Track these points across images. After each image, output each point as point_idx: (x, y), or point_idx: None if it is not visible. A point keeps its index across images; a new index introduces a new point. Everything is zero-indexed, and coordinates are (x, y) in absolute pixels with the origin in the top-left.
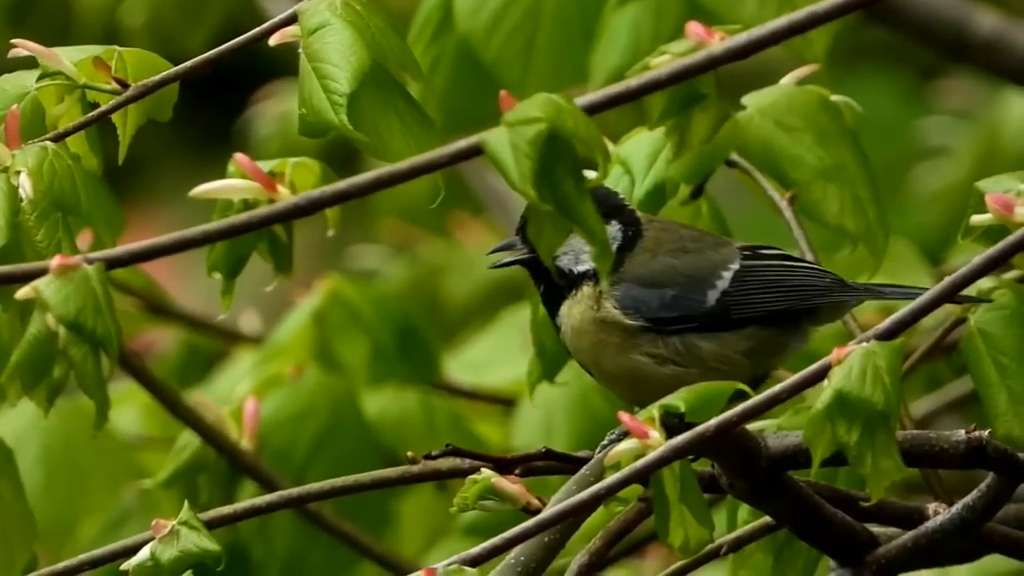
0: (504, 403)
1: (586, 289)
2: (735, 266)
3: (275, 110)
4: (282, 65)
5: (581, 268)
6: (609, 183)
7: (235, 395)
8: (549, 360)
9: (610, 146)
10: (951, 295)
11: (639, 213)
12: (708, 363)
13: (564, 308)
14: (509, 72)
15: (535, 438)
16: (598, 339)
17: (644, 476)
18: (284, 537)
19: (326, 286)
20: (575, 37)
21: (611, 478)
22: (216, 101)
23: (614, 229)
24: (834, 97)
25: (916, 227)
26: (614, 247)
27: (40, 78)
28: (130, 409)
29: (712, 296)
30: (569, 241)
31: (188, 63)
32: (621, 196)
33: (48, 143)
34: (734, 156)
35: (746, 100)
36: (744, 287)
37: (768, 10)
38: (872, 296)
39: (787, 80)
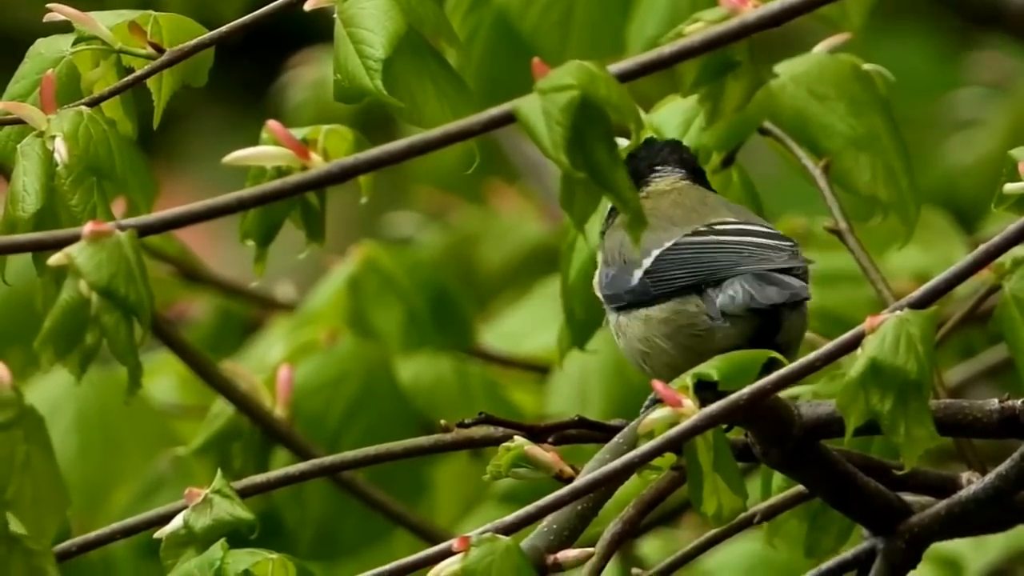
0: (539, 370)
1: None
2: (668, 245)
3: (309, 77)
4: (317, 29)
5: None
6: None
7: (268, 362)
8: (579, 327)
9: (643, 114)
10: (986, 263)
11: (656, 183)
12: (633, 343)
13: None
14: (546, 43)
15: (569, 406)
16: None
17: (677, 444)
18: (318, 504)
19: (360, 253)
20: (612, 8)
21: (644, 446)
22: (250, 63)
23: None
24: (866, 66)
25: (950, 197)
26: (602, 219)
27: (75, 43)
28: (165, 378)
29: (636, 276)
30: None
31: (223, 28)
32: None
33: (84, 108)
34: (767, 124)
35: (779, 68)
36: (664, 266)
37: None
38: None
39: (820, 48)
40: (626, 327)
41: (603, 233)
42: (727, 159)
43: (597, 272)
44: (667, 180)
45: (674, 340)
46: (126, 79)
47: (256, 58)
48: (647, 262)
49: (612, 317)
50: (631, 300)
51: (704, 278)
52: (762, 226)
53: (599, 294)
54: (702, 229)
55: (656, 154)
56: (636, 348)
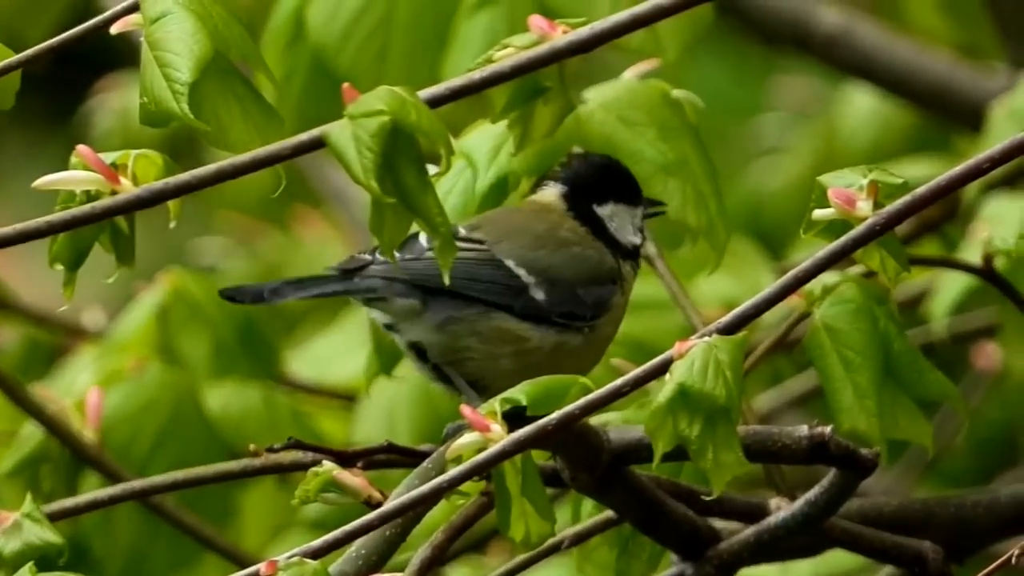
0: (346, 399)
1: None
2: None
3: (115, 103)
4: (123, 56)
5: None
6: (451, 176)
7: (76, 389)
8: (387, 354)
9: (453, 140)
10: (794, 288)
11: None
12: None
13: None
14: (363, 80)
15: (377, 433)
16: None
17: (485, 469)
18: (126, 531)
19: (168, 281)
20: (428, 44)
21: (452, 471)
22: (54, 87)
23: None
24: (676, 92)
25: (755, 223)
26: None
27: None
28: None
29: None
30: None
31: (30, 51)
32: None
33: None
34: (577, 150)
35: (588, 94)
36: None
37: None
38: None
39: (629, 74)
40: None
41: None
42: (536, 183)
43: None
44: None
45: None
46: None
47: (60, 82)
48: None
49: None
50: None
51: None
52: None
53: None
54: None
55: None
56: None
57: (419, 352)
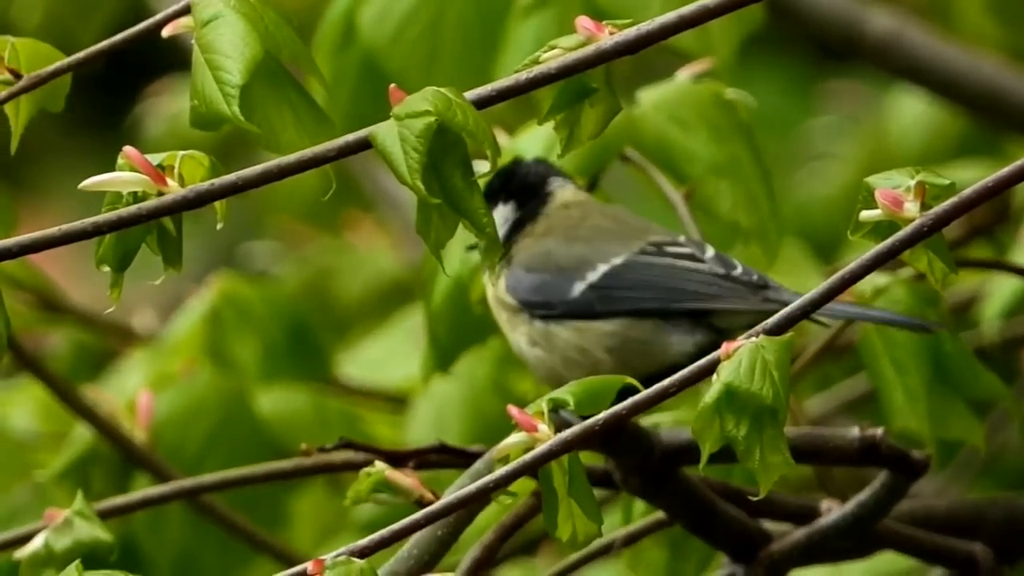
0: (396, 401)
1: (498, 267)
2: (618, 261)
3: (167, 109)
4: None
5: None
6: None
7: (126, 391)
8: (443, 352)
9: (505, 139)
10: (841, 289)
11: (562, 193)
12: (565, 352)
13: (484, 280)
14: (413, 83)
15: (428, 435)
16: (498, 315)
17: (532, 469)
18: (176, 532)
19: (218, 285)
20: (479, 46)
21: (499, 471)
22: (107, 93)
23: (509, 210)
24: (729, 93)
25: (805, 228)
26: (507, 227)
27: None
28: (23, 408)
29: (578, 288)
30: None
31: (81, 53)
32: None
33: None
34: (629, 151)
35: (641, 95)
36: (617, 282)
37: None
38: (770, 306)
39: (682, 75)
40: (554, 335)
41: (507, 240)
42: (590, 185)
43: (502, 277)
44: (569, 190)
45: (617, 354)
46: None
47: (111, 86)
48: (592, 276)
49: (530, 324)
50: (565, 311)
51: (664, 306)
52: (714, 253)
53: (510, 298)
54: (650, 249)
55: (538, 167)
56: (565, 356)
57: None
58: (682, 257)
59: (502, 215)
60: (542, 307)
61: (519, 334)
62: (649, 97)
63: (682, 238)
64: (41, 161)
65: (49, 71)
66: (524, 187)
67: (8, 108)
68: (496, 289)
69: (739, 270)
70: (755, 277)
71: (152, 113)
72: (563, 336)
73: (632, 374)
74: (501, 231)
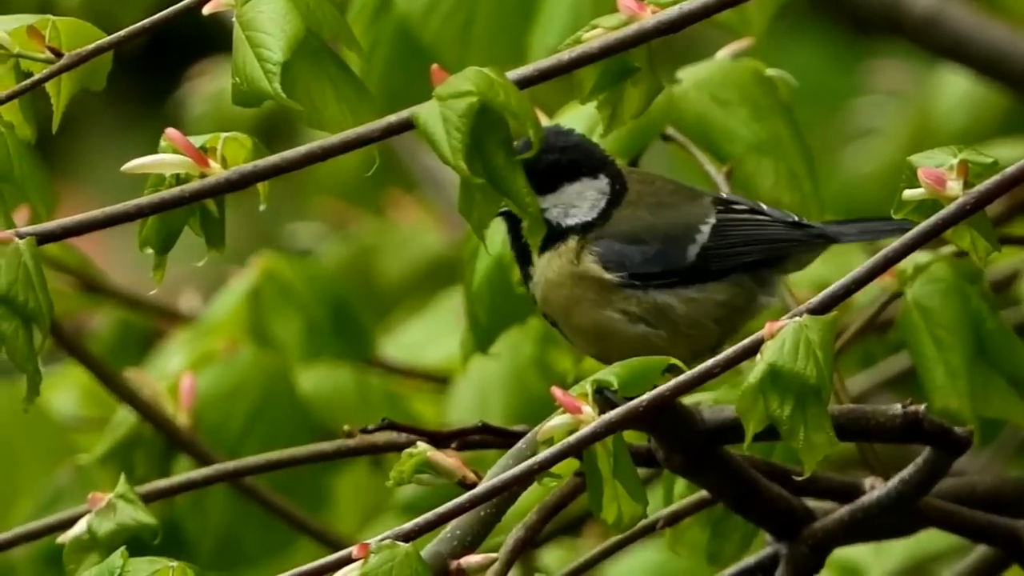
0: (438, 381)
1: (571, 243)
2: (712, 220)
3: (209, 88)
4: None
5: (569, 222)
6: None
7: (168, 372)
8: (482, 332)
9: (545, 120)
10: (884, 268)
11: (620, 165)
12: (679, 326)
13: (543, 260)
14: (447, 52)
15: (470, 414)
16: (572, 293)
17: (577, 451)
18: (219, 513)
19: (260, 264)
20: (514, 17)
21: (543, 453)
22: (148, 73)
23: (603, 183)
24: (769, 71)
25: (850, 205)
26: (603, 202)
27: None
28: (65, 390)
29: (692, 251)
30: (560, 195)
31: (122, 31)
32: (603, 149)
33: None
34: (670, 130)
35: (681, 74)
36: (723, 241)
37: None
38: (838, 240)
39: (722, 54)
40: (670, 308)
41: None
42: (631, 164)
43: (587, 253)
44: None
45: (723, 324)
46: (24, 83)
47: (153, 65)
48: (701, 237)
49: (635, 299)
50: (685, 277)
51: (766, 255)
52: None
53: (608, 275)
54: (721, 207)
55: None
56: (677, 330)
57: None
58: (750, 211)
59: (596, 189)
60: (660, 277)
61: (613, 311)
62: (690, 76)
63: (730, 195)
64: (78, 139)
65: (90, 49)
66: (605, 160)
67: (50, 87)
68: (578, 266)
69: (790, 216)
70: (797, 218)
71: (195, 94)
72: (680, 310)
73: (728, 333)
74: (598, 206)
